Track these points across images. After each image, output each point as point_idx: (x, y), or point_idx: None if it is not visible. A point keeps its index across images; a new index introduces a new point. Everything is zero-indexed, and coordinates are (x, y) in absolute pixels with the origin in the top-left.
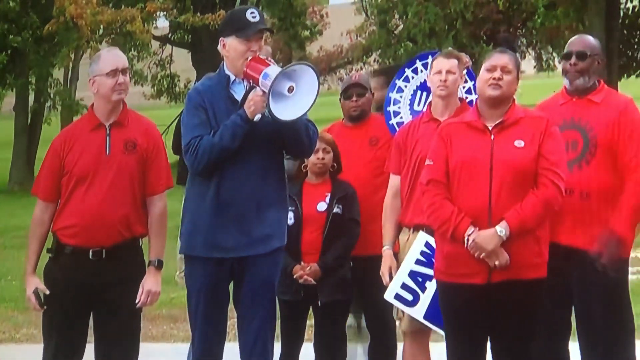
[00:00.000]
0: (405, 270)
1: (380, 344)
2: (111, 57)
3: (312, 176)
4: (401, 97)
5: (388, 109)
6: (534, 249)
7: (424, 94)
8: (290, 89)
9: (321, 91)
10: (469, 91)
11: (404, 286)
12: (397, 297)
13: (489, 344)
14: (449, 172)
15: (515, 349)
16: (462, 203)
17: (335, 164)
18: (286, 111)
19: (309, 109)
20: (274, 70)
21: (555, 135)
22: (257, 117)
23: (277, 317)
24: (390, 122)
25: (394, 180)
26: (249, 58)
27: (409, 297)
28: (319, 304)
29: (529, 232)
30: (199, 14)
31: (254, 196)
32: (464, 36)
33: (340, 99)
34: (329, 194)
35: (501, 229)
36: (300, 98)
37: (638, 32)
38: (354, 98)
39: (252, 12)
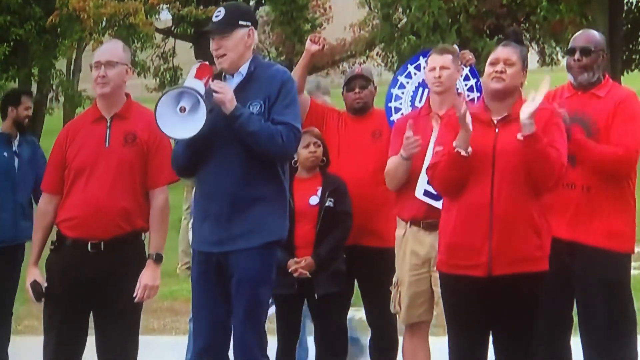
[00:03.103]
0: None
1: (381, 338)
2: (101, 49)
3: (303, 171)
4: (403, 93)
5: (390, 104)
6: (536, 242)
7: (426, 90)
8: (183, 109)
9: None
10: (471, 89)
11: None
12: (426, 193)
13: (491, 338)
14: None
15: (517, 343)
16: (464, 195)
17: (324, 158)
18: (182, 129)
19: (191, 136)
20: (188, 83)
21: (559, 126)
22: None
23: (266, 311)
24: (392, 119)
25: (393, 159)
26: (199, 64)
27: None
28: (316, 297)
29: (535, 153)
30: (201, 7)
31: (233, 192)
32: (467, 30)
33: (342, 91)
34: (320, 188)
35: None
36: (190, 119)
37: None
38: (357, 90)
39: (217, 11)
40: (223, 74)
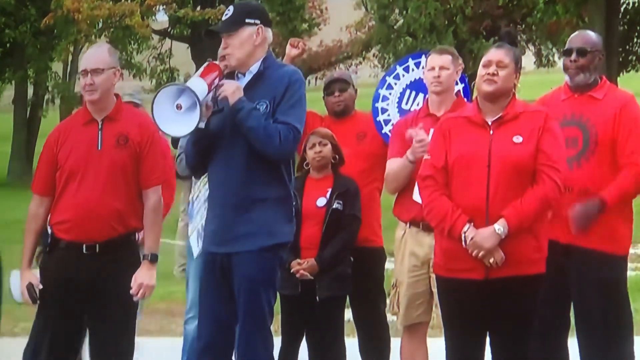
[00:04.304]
0: None
1: (371, 340)
2: (87, 56)
3: (314, 171)
4: (390, 94)
5: (376, 105)
6: (533, 244)
7: (413, 92)
8: (179, 107)
9: (320, 86)
10: (456, 94)
11: None
12: None
13: (488, 339)
14: (447, 167)
15: (514, 345)
16: (460, 199)
17: (336, 156)
18: (173, 126)
19: (185, 134)
20: (191, 82)
21: (554, 131)
22: (200, 124)
23: (271, 313)
24: (378, 119)
25: (394, 161)
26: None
27: None
28: (317, 300)
29: (527, 229)
30: (199, 8)
31: (236, 193)
32: (463, 31)
33: (323, 96)
34: (330, 189)
35: (500, 227)
36: (183, 119)
37: (638, 28)
38: (337, 93)
39: (227, 9)
40: (236, 72)
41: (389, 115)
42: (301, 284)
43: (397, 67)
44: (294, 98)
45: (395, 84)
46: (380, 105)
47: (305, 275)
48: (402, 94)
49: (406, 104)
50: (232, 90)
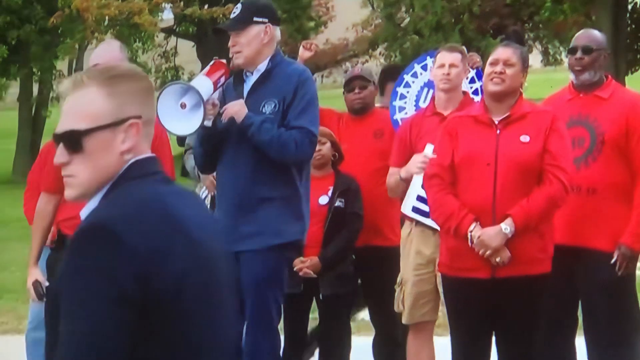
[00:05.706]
0: (418, 182)
1: (385, 338)
2: (97, 52)
3: (315, 170)
4: (408, 92)
5: (394, 103)
6: (538, 244)
7: (431, 91)
8: (183, 105)
9: (326, 84)
10: (476, 92)
11: (419, 198)
12: (415, 209)
13: (494, 338)
14: (454, 166)
15: (520, 344)
16: (466, 198)
17: (336, 154)
18: (177, 124)
19: (189, 133)
20: (196, 81)
21: (561, 131)
22: (207, 122)
23: (279, 313)
24: (395, 117)
25: (394, 171)
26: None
27: (426, 208)
28: (321, 298)
29: (534, 229)
30: (206, 7)
31: (241, 192)
32: (470, 30)
33: (343, 92)
34: (332, 188)
35: (506, 226)
36: (187, 118)
37: None
38: (357, 90)
39: (236, 7)
40: (244, 71)
41: (406, 113)
42: (303, 282)
43: (415, 65)
44: (305, 99)
45: (413, 82)
46: (398, 103)
47: (309, 273)
48: (420, 92)
49: (424, 102)
50: (237, 109)
